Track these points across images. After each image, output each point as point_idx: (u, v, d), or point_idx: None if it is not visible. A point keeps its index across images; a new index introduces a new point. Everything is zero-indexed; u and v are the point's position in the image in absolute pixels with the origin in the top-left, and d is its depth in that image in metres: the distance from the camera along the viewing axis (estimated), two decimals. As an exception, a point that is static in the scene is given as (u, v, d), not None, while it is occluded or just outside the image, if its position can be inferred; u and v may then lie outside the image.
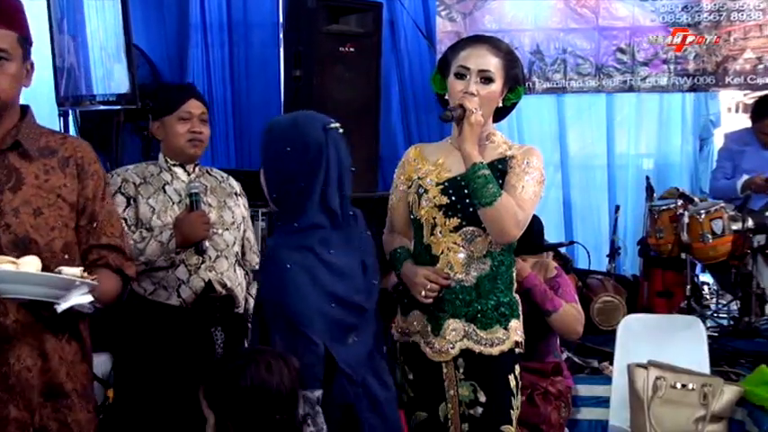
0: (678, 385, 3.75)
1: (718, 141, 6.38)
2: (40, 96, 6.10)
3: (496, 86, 2.67)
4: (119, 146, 4.78)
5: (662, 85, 6.02)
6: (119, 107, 4.78)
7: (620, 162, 6.49)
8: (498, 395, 2.67)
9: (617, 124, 6.47)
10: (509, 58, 2.71)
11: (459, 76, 2.67)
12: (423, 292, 2.65)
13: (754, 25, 5.85)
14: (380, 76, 5.62)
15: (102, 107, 4.97)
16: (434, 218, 2.70)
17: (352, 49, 5.41)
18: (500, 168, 2.68)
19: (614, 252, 5.73)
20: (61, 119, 5.32)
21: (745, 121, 6.20)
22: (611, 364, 4.07)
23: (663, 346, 3.96)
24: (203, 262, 3.17)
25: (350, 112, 5.45)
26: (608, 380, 4.06)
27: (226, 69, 6.39)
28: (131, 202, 3.15)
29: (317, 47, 5.34)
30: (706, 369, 3.92)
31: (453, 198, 2.68)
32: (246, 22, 6.39)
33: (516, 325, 2.73)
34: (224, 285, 3.20)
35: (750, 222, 4.85)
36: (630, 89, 6.08)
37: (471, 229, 2.66)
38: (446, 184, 2.71)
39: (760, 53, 5.85)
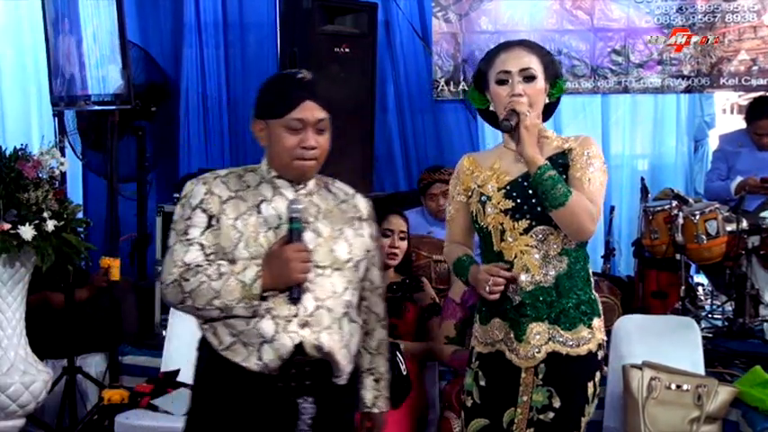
0: (673, 386, 3.75)
1: (712, 142, 6.39)
2: (35, 96, 6.12)
3: (540, 83, 2.66)
4: (114, 146, 4.77)
5: (657, 86, 6.03)
6: (114, 107, 4.77)
7: (614, 163, 6.50)
8: (574, 402, 2.63)
9: (612, 125, 6.48)
10: (544, 54, 2.71)
11: (502, 82, 2.65)
12: (487, 288, 2.59)
13: (748, 27, 5.86)
14: (376, 76, 5.62)
15: (96, 107, 4.97)
16: (502, 223, 2.65)
17: (347, 50, 5.40)
18: (561, 163, 2.65)
19: (609, 253, 5.73)
20: (56, 119, 5.32)
21: (739, 123, 6.21)
22: (606, 364, 4.07)
23: (657, 346, 3.96)
24: (296, 315, 2.35)
25: (345, 112, 5.44)
26: (603, 380, 4.06)
27: (221, 69, 6.39)
28: (213, 221, 2.39)
29: (313, 47, 5.34)
30: (700, 370, 3.93)
31: (519, 200, 2.63)
32: (242, 23, 6.39)
33: (599, 324, 2.68)
34: (320, 349, 2.36)
35: (744, 223, 4.86)
36: (625, 90, 6.09)
37: (542, 228, 2.62)
38: (508, 187, 2.66)
39: (754, 54, 5.86)
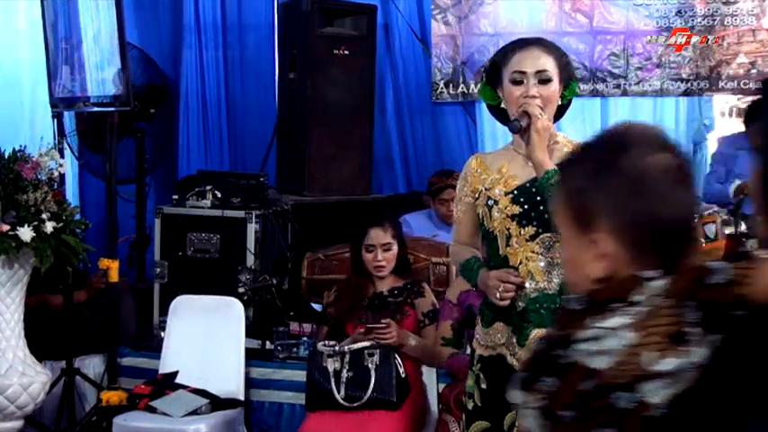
0: (671, 389, 3.75)
1: (711, 145, 6.39)
2: (34, 98, 6.11)
3: (555, 85, 2.62)
4: (113, 148, 4.77)
5: (656, 89, 6.03)
6: (113, 109, 4.77)
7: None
8: None
9: (611, 128, 6.49)
10: (560, 55, 2.68)
11: (516, 81, 2.61)
12: (498, 294, 2.58)
13: (747, 30, 5.86)
14: (375, 78, 5.62)
15: (96, 109, 4.97)
16: (508, 228, 2.62)
17: (346, 52, 5.41)
18: None
19: (608, 256, 5.73)
20: (55, 120, 5.31)
21: (738, 126, 6.21)
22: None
23: (656, 349, 3.95)
24: None
25: (344, 114, 5.46)
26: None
27: (220, 71, 6.38)
28: None
29: (312, 49, 5.34)
30: (699, 373, 3.92)
31: (526, 206, 2.61)
32: (241, 24, 6.39)
33: None
34: None
35: (743, 227, 4.86)
36: (624, 93, 6.09)
37: (548, 235, 2.60)
38: (515, 192, 2.64)
39: (753, 58, 5.86)
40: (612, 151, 1.29)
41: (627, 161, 1.26)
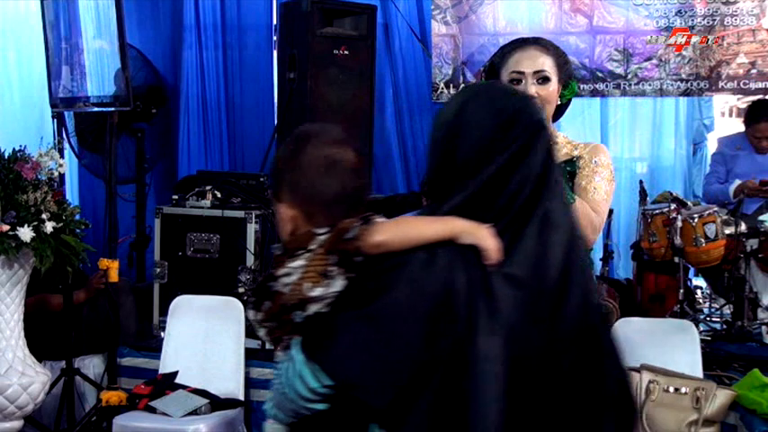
0: (671, 389, 3.75)
1: (711, 145, 6.39)
2: (34, 98, 6.11)
3: (553, 85, 2.61)
4: (113, 148, 4.77)
5: (656, 89, 6.03)
6: (113, 109, 4.77)
7: (613, 165, 6.48)
8: None
9: (611, 128, 6.48)
10: (559, 54, 2.66)
11: (515, 81, 2.60)
12: None
13: (747, 30, 5.87)
14: (374, 78, 5.62)
15: (95, 109, 4.96)
16: None
17: (346, 52, 5.41)
18: (568, 170, 2.61)
19: (608, 256, 5.73)
20: (55, 120, 5.31)
21: (738, 126, 6.22)
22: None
23: (656, 349, 3.96)
24: None
25: (343, 114, 5.46)
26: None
27: (219, 71, 6.38)
28: None
29: (312, 49, 5.34)
30: (699, 373, 3.93)
31: None
32: (240, 25, 6.39)
33: None
34: None
35: (743, 226, 4.86)
36: (624, 93, 6.09)
37: None
38: None
39: (753, 58, 5.86)
40: (298, 144, 1.79)
41: (303, 154, 1.77)
